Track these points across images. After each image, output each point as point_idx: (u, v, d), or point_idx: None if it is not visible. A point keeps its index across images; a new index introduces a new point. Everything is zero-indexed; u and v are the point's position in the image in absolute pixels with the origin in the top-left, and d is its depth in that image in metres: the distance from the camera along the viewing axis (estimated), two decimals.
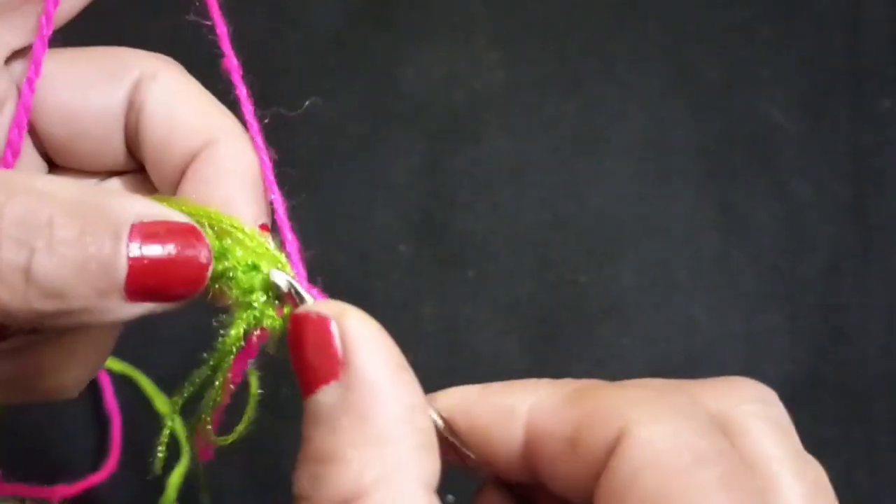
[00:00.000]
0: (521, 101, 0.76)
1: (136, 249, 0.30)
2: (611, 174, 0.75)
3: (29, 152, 0.37)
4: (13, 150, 0.34)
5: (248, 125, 0.37)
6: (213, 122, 0.37)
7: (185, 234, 0.31)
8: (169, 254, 0.31)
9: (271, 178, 0.36)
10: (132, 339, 0.63)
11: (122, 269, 0.30)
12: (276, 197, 0.36)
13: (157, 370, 0.66)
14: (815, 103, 0.77)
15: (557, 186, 0.75)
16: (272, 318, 0.33)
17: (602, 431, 0.29)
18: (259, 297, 0.33)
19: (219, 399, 0.35)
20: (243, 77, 0.38)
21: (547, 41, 0.78)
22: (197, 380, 0.34)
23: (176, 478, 0.62)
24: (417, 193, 0.74)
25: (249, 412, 0.36)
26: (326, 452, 0.28)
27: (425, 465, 0.29)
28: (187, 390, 0.34)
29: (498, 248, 0.73)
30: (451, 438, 0.33)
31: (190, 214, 0.33)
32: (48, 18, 0.33)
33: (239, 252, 0.33)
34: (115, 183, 0.39)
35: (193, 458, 0.62)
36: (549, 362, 0.71)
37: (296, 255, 0.35)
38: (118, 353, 0.66)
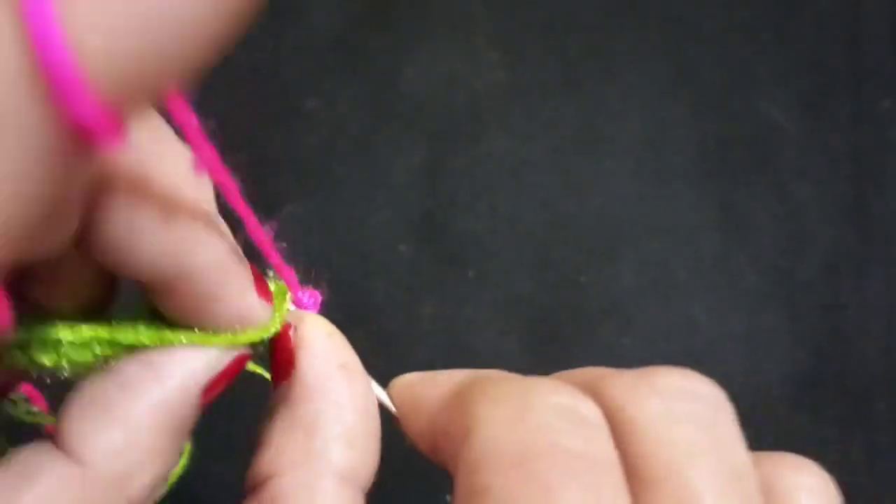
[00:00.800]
0: (521, 101, 0.76)
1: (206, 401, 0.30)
2: (611, 174, 0.75)
3: None
4: None
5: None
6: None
7: (237, 366, 0.31)
8: (225, 383, 0.31)
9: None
10: None
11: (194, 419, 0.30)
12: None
13: None
14: (815, 103, 0.77)
15: (557, 186, 0.75)
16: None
17: (457, 428, 0.29)
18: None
19: None
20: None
21: (547, 41, 0.78)
22: None
23: (172, 478, 0.62)
24: (417, 193, 0.74)
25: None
26: (260, 438, 0.31)
27: (347, 458, 0.29)
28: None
29: (498, 248, 0.73)
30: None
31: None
32: None
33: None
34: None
35: (189, 457, 0.62)
36: (549, 362, 0.71)
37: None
38: None
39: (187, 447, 0.63)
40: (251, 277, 0.31)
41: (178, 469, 0.62)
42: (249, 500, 0.31)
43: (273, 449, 0.30)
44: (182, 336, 0.29)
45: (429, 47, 0.78)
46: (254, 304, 0.31)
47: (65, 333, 0.29)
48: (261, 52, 0.77)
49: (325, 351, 0.31)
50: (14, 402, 0.35)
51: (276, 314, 0.32)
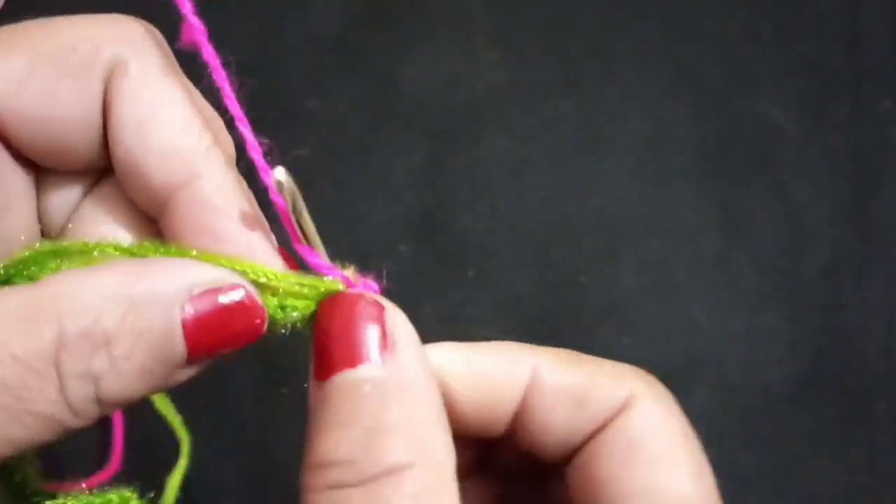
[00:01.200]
0: (521, 101, 0.76)
1: (191, 328, 0.30)
2: (611, 174, 0.75)
3: (7, 166, 0.33)
4: None
5: (236, 119, 0.33)
6: (190, 148, 0.33)
7: (240, 299, 0.31)
8: (225, 327, 0.30)
9: (263, 163, 0.34)
10: None
11: (181, 352, 0.30)
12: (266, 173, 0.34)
13: None
14: (815, 103, 0.77)
15: (557, 186, 0.75)
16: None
17: (611, 391, 0.34)
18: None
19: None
20: (233, 72, 0.34)
21: (547, 41, 0.78)
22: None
23: (176, 479, 0.62)
24: (417, 193, 0.74)
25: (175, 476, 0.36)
26: (378, 422, 0.29)
27: (454, 457, 0.30)
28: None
29: (498, 248, 0.73)
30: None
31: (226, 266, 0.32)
32: None
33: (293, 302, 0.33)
34: (110, 184, 0.35)
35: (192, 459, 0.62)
36: None
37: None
38: None
39: (186, 447, 0.63)
40: (269, 234, 0.34)
41: (180, 471, 0.62)
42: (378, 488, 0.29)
43: (400, 439, 0.29)
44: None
45: (429, 47, 0.78)
46: (263, 248, 0.33)
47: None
48: (261, 52, 0.77)
49: (420, 345, 0.32)
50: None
51: (311, 289, 0.34)
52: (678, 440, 0.34)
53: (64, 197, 0.35)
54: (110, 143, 0.33)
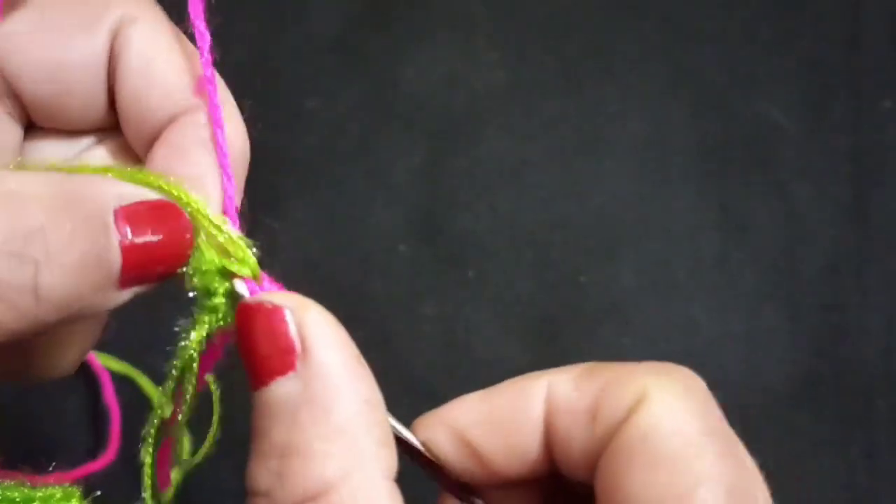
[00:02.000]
0: (521, 101, 0.76)
1: (126, 236, 0.29)
2: (611, 174, 0.75)
3: (2, 119, 0.34)
4: None
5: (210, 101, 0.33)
6: (189, 87, 0.34)
7: (167, 214, 0.31)
8: (157, 237, 0.30)
9: (225, 155, 0.33)
10: (132, 340, 0.63)
11: (117, 261, 0.29)
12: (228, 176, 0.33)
13: (157, 370, 0.66)
14: (815, 103, 0.77)
15: (557, 186, 0.75)
16: (230, 317, 0.32)
17: (621, 396, 0.32)
18: (221, 301, 0.32)
19: (189, 405, 0.34)
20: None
21: (547, 41, 0.78)
22: (168, 387, 0.33)
23: (175, 477, 0.62)
24: (417, 193, 0.74)
25: (213, 432, 0.36)
26: (289, 446, 0.28)
27: (385, 458, 0.29)
28: (160, 405, 0.34)
29: (498, 248, 0.73)
30: (423, 450, 0.33)
31: (161, 192, 0.32)
32: None
33: (206, 253, 0.32)
34: (97, 150, 0.36)
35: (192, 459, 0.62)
36: (549, 362, 0.71)
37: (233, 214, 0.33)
38: (118, 353, 0.66)
39: (186, 448, 0.63)
40: (240, 186, 0.33)
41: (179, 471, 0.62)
42: None
43: (316, 460, 0.27)
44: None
45: (429, 47, 0.78)
46: (217, 192, 0.32)
47: None
48: (261, 52, 0.77)
49: (342, 343, 0.29)
50: None
51: (219, 235, 0.32)
52: (693, 430, 0.31)
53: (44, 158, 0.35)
54: (117, 85, 0.34)
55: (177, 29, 0.35)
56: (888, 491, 0.69)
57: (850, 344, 0.72)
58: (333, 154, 0.75)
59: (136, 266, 0.30)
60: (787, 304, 0.72)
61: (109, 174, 0.31)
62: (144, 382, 0.66)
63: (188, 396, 0.34)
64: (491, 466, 0.33)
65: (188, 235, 0.31)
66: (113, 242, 0.29)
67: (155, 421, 0.34)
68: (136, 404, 0.66)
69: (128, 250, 0.29)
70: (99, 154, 0.36)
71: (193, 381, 0.33)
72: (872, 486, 0.69)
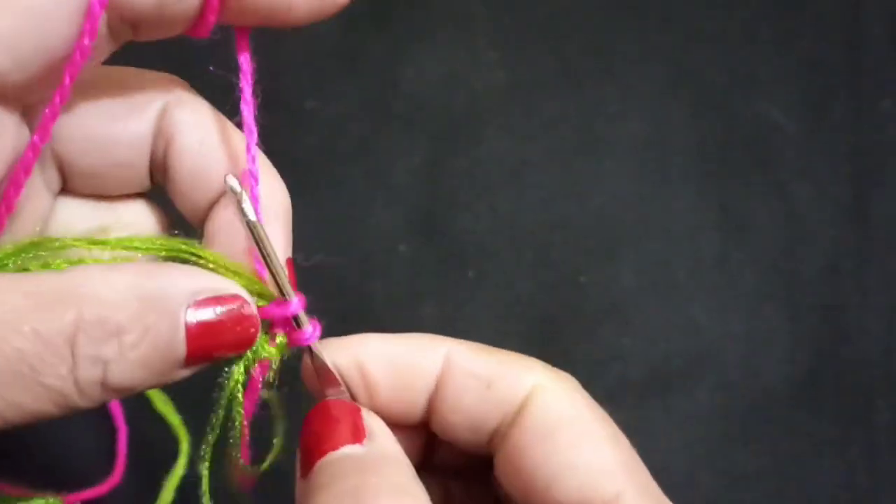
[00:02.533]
0: (521, 101, 0.76)
1: (193, 328, 0.32)
2: (611, 174, 0.75)
3: (37, 184, 0.37)
4: (15, 187, 0.34)
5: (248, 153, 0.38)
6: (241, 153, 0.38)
7: (237, 307, 0.34)
8: (223, 333, 0.33)
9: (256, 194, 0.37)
10: None
11: (182, 350, 0.32)
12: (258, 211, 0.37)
13: None
14: (815, 103, 0.77)
15: (557, 186, 0.75)
16: (269, 351, 0.37)
17: (517, 379, 0.37)
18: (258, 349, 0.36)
19: (239, 435, 0.38)
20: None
21: (547, 41, 0.78)
22: (215, 422, 0.37)
23: (174, 479, 0.62)
24: (417, 193, 0.74)
25: (279, 439, 0.40)
26: (362, 483, 0.33)
27: None
28: (211, 435, 0.37)
29: (498, 248, 0.73)
30: (339, 377, 0.38)
31: (217, 268, 0.35)
32: (72, 74, 0.32)
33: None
34: (123, 213, 0.39)
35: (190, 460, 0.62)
36: (550, 362, 0.71)
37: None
38: None
39: (185, 448, 0.63)
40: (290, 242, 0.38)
41: (179, 470, 0.62)
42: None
43: (377, 494, 0.33)
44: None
45: (429, 47, 0.78)
46: (280, 248, 0.37)
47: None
48: (261, 52, 0.77)
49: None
50: None
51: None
52: (590, 417, 0.36)
53: (72, 217, 0.39)
54: (173, 162, 0.37)
55: (216, 111, 0.39)
56: (888, 491, 0.69)
57: (850, 344, 0.72)
58: (333, 154, 0.75)
59: (200, 354, 0.33)
60: (787, 304, 0.72)
61: (189, 268, 0.34)
62: None
63: (236, 432, 0.38)
64: (377, 402, 0.38)
65: (253, 332, 0.34)
66: (181, 337, 0.32)
67: (208, 449, 0.38)
68: (135, 405, 0.66)
69: (194, 343, 0.33)
70: (126, 218, 0.39)
71: (239, 409, 0.37)
72: (872, 486, 0.69)
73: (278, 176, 0.39)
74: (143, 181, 0.39)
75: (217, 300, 0.33)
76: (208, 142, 0.37)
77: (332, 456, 0.34)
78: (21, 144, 0.34)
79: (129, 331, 0.31)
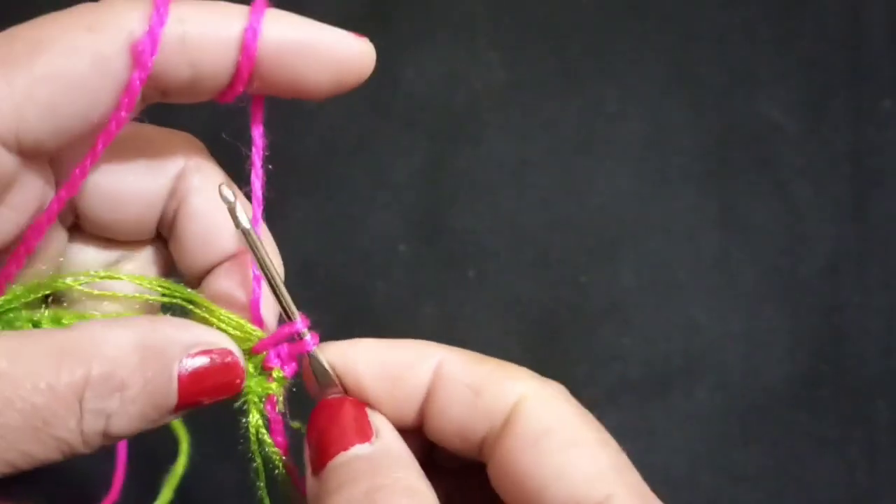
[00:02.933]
0: (521, 101, 0.76)
1: (184, 381, 0.35)
2: (611, 174, 0.75)
3: (55, 227, 0.39)
4: (37, 233, 0.36)
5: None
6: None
7: (224, 367, 0.36)
8: (210, 382, 0.36)
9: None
10: None
11: (174, 399, 0.35)
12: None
13: None
14: (815, 103, 0.77)
15: (557, 186, 0.75)
16: (269, 387, 0.39)
17: (504, 388, 0.37)
18: (253, 382, 0.39)
19: (283, 470, 0.40)
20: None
21: (547, 41, 0.78)
22: (259, 470, 0.40)
23: (174, 478, 0.62)
24: (417, 193, 0.74)
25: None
26: (375, 484, 0.34)
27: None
28: (260, 487, 0.40)
29: (498, 248, 0.73)
30: (336, 380, 0.39)
31: (210, 316, 0.38)
32: (105, 142, 0.34)
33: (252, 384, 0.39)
34: (132, 258, 0.41)
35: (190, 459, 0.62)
36: (550, 362, 0.71)
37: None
38: None
39: (185, 448, 0.63)
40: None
41: (178, 469, 0.62)
42: None
43: (391, 492, 0.34)
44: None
45: (429, 47, 0.78)
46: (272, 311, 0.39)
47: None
48: None
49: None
50: None
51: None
52: (578, 423, 0.37)
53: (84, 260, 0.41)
54: (181, 223, 0.40)
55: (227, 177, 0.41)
56: (888, 491, 0.69)
57: (850, 344, 0.72)
58: (333, 154, 0.75)
59: (189, 401, 0.35)
60: (787, 304, 0.72)
61: (185, 322, 0.37)
62: None
63: (280, 472, 0.40)
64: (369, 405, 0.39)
65: (239, 381, 0.37)
66: (174, 387, 0.35)
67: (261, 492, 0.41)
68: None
69: (185, 391, 0.35)
70: (133, 264, 0.42)
71: (273, 448, 0.40)
72: (872, 486, 0.69)
73: (276, 248, 0.41)
74: (150, 233, 0.41)
75: (207, 353, 0.36)
76: (218, 210, 0.38)
77: (343, 457, 0.36)
78: (46, 196, 0.36)
79: (130, 386, 0.33)
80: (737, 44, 0.78)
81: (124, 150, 0.38)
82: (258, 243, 0.37)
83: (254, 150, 0.39)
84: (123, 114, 0.33)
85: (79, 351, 0.33)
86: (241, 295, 0.39)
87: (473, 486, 0.41)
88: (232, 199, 0.36)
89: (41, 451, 0.32)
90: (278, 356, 0.39)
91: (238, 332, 0.38)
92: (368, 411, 0.38)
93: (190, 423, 0.64)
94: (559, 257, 0.73)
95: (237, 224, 0.36)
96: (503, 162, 0.75)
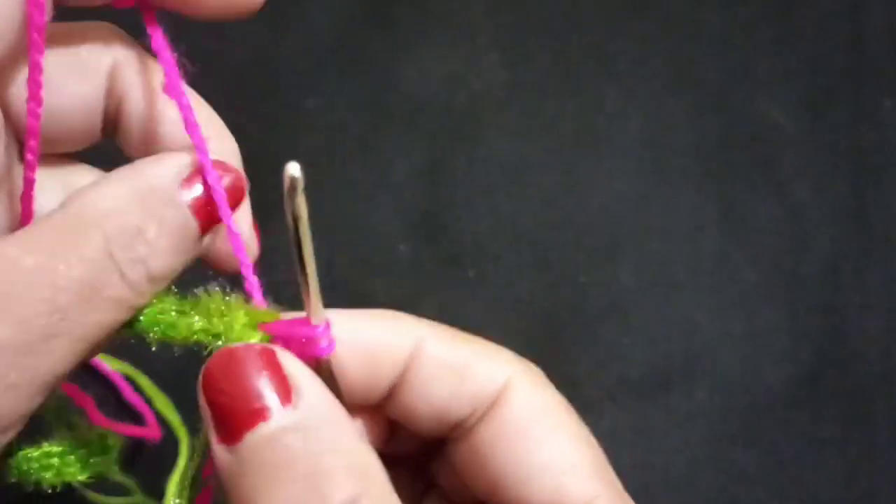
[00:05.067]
0: (521, 101, 0.76)
1: (194, 203, 0.35)
2: (611, 174, 0.75)
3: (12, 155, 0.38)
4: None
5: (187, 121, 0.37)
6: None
7: (221, 168, 0.36)
8: (218, 188, 0.35)
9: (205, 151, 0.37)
10: (132, 339, 0.62)
11: (195, 225, 0.35)
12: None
13: (157, 370, 0.66)
14: (815, 103, 0.77)
15: (557, 186, 0.75)
16: None
17: (490, 371, 0.37)
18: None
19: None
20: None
21: (547, 41, 0.78)
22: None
23: (175, 479, 0.62)
24: (417, 193, 0.74)
25: None
26: (314, 467, 0.30)
27: (384, 469, 0.32)
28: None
29: (498, 248, 0.73)
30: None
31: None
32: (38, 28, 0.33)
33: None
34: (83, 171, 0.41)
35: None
36: (550, 362, 0.71)
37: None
38: (118, 353, 0.66)
39: (185, 448, 0.63)
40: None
41: (178, 470, 0.62)
42: None
43: (341, 482, 0.31)
44: None
45: (429, 47, 0.77)
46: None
47: None
48: (261, 52, 0.77)
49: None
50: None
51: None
52: (565, 415, 0.36)
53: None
54: (124, 121, 0.39)
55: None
56: (888, 491, 0.69)
57: (850, 344, 0.72)
58: (333, 154, 0.75)
59: (207, 218, 0.35)
60: (787, 304, 0.72)
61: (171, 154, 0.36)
62: (144, 382, 0.66)
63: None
64: (340, 380, 0.36)
65: (240, 184, 0.37)
66: (186, 212, 0.35)
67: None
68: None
69: (198, 211, 0.35)
70: (87, 173, 0.41)
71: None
72: (872, 486, 0.69)
73: (225, 127, 0.39)
74: (95, 137, 0.40)
75: (199, 171, 0.35)
76: (160, 101, 0.38)
77: (265, 429, 0.31)
78: None
79: (146, 228, 0.33)
80: (737, 44, 0.78)
81: (49, 56, 0.35)
82: (308, 234, 0.35)
83: (160, 58, 0.36)
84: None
85: (85, 221, 0.33)
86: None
87: (403, 474, 0.40)
88: (300, 176, 0.33)
89: (104, 315, 0.33)
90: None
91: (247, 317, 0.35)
92: (283, 360, 0.32)
93: (190, 423, 0.64)
94: (559, 257, 0.73)
95: (292, 208, 0.33)
96: (503, 162, 0.75)
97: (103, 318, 0.33)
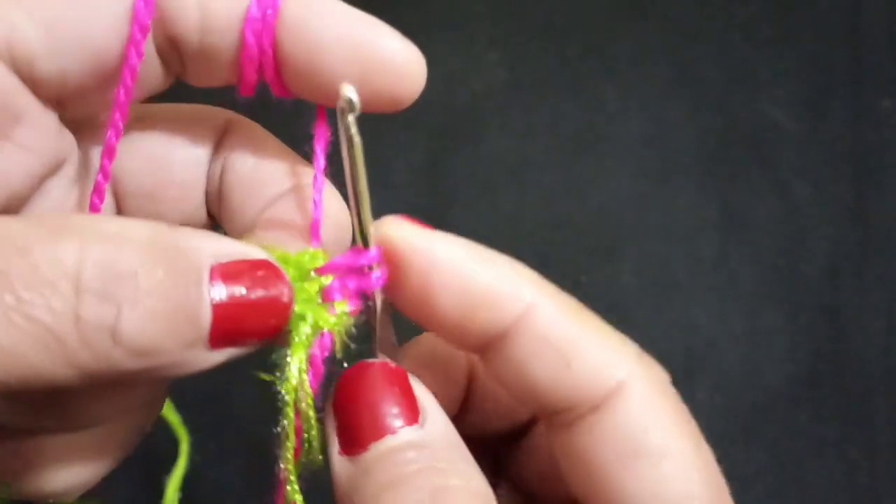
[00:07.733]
0: (521, 101, 0.76)
1: (218, 293, 0.28)
2: (611, 174, 0.75)
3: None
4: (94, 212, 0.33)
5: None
6: (298, 169, 0.37)
7: (265, 273, 0.29)
8: (251, 296, 0.29)
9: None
10: None
11: (207, 317, 0.28)
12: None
13: None
14: (815, 103, 0.77)
15: (557, 186, 0.75)
16: (327, 320, 0.32)
17: (605, 365, 0.32)
18: (307, 310, 0.32)
19: (316, 435, 0.33)
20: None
21: (547, 41, 0.78)
22: (286, 422, 0.33)
23: (175, 478, 0.62)
24: (417, 193, 0.74)
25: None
26: (438, 483, 0.29)
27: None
28: (287, 440, 0.33)
29: (498, 248, 0.73)
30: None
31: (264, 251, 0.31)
32: (126, 89, 0.31)
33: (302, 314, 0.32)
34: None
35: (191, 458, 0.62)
36: None
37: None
38: None
39: (185, 448, 0.63)
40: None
41: (179, 471, 0.62)
42: None
43: (457, 494, 0.29)
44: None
45: (429, 47, 0.77)
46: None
47: None
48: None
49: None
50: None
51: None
52: (678, 431, 0.32)
53: None
54: (228, 180, 0.36)
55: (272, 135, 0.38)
56: (888, 491, 0.69)
57: (850, 344, 0.72)
58: (333, 154, 0.75)
59: (227, 325, 0.28)
60: (787, 304, 0.72)
61: (214, 233, 0.31)
62: None
63: (308, 428, 0.33)
64: (434, 315, 0.34)
65: (287, 298, 0.30)
66: (204, 297, 0.28)
67: (288, 455, 0.34)
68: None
69: (219, 308, 0.28)
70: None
71: (309, 401, 0.32)
72: (872, 486, 0.69)
73: (341, 198, 0.36)
74: (199, 209, 0.36)
75: (244, 264, 0.29)
76: (264, 160, 0.35)
77: (391, 442, 0.30)
78: (61, 147, 0.32)
79: (144, 275, 0.26)
80: (737, 44, 0.78)
81: (158, 121, 0.35)
82: (361, 157, 0.32)
83: (315, 164, 0.36)
84: (134, 57, 0.30)
85: (75, 228, 0.27)
86: (296, 218, 0.34)
87: (484, 457, 0.37)
88: (356, 98, 0.31)
89: (11, 340, 0.25)
90: (344, 287, 0.33)
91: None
92: (413, 384, 0.31)
93: (190, 422, 0.64)
94: (559, 257, 0.73)
95: (346, 128, 0.31)
96: (503, 161, 0.75)
97: (6, 342, 0.25)
